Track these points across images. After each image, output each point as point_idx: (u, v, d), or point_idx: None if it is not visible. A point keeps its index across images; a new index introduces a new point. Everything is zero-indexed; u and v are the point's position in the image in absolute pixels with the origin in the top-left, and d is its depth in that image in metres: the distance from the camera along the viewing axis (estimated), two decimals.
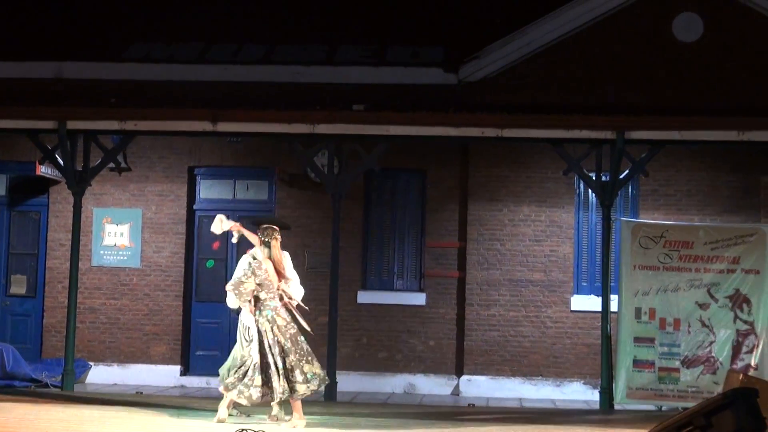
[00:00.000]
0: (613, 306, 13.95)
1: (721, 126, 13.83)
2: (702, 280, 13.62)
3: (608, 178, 14.03)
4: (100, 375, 16.32)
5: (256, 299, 11.00)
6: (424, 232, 16.47)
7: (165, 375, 16.25)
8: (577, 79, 15.86)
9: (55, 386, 14.54)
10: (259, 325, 10.88)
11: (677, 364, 13.54)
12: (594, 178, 14.08)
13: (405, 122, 14.13)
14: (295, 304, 11.19)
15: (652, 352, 13.59)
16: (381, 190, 16.65)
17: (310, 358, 10.95)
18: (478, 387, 15.84)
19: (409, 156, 16.09)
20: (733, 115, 14.20)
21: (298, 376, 10.76)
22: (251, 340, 10.99)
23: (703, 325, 13.56)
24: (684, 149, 15.25)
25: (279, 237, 11.29)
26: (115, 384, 16.01)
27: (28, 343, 16.49)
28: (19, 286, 17.02)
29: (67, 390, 13.92)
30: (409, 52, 17.00)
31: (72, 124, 14.31)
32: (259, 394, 10.75)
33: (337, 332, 14.34)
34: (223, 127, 14.28)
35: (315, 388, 10.92)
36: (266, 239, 11.21)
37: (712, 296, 13.58)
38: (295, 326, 11.05)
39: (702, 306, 13.60)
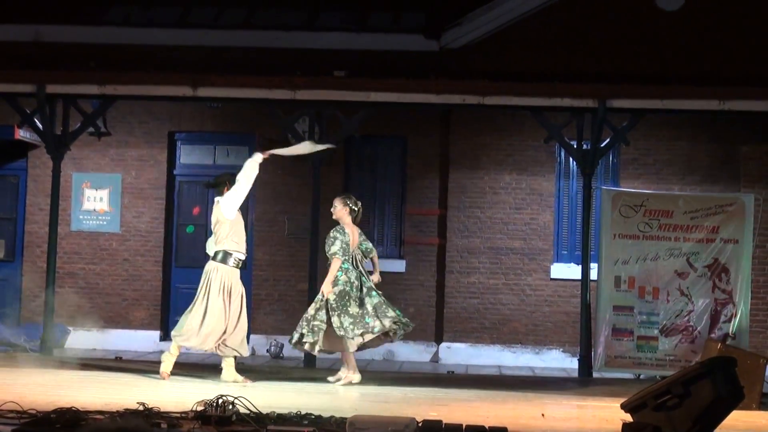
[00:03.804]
0: (593, 274, 13.98)
1: (702, 95, 13.84)
2: (681, 249, 13.65)
3: (589, 146, 14.03)
4: (80, 340, 16.27)
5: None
6: (405, 199, 16.46)
7: (144, 340, 16.22)
8: (559, 47, 15.83)
9: (34, 351, 14.50)
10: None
11: (656, 332, 13.59)
12: (575, 146, 14.08)
13: (386, 89, 14.08)
14: None
15: (631, 321, 13.63)
16: (361, 156, 16.62)
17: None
18: (458, 354, 15.89)
19: (390, 123, 16.06)
20: (715, 84, 14.22)
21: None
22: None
23: (682, 294, 13.61)
24: (664, 118, 15.27)
25: None
26: (95, 349, 15.97)
27: (7, 307, 16.38)
28: None
29: (46, 355, 13.88)
30: (390, 18, 16.92)
31: (51, 88, 14.19)
32: None
33: None
34: (204, 92, 14.21)
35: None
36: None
37: (691, 265, 13.62)
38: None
39: (681, 275, 13.64)
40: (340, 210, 11.91)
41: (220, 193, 11.81)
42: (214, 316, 11.37)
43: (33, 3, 17.20)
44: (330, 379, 11.73)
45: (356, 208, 11.96)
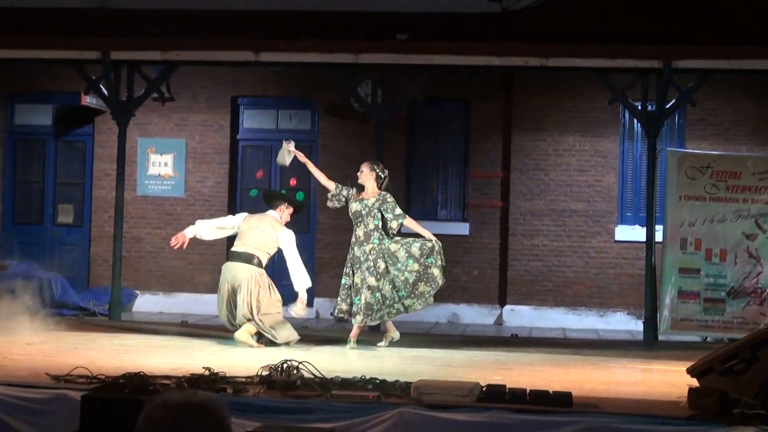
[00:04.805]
0: (658, 236, 13.84)
1: None
2: (750, 210, 13.45)
3: (654, 107, 13.84)
4: (146, 304, 16.51)
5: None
6: (468, 162, 16.41)
7: (210, 304, 16.24)
8: (623, 7, 15.60)
9: (102, 315, 14.73)
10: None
11: (723, 295, 13.43)
12: (639, 107, 13.90)
13: (448, 52, 14.00)
14: None
15: (697, 283, 13.49)
16: (424, 120, 16.58)
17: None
18: (521, 317, 15.86)
19: (453, 86, 15.99)
20: None
21: None
22: None
23: (750, 256, 13.43)
24: (732, 78, 15.01)
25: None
26: (161, 312, 16.17)
27: (76, 271, 16.65)
28: (66, 215, 17.19)
29: (114, 319, 14.09)
30: None
31: (116, 54, 14.31)
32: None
33: None
34: (266, 57, 14.23)
35: None
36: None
37: (759, 227, 13.42)
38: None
39: (749, 237, 13.45)
40: (367, 174, 11.76)
41: (274, 207, 11.94)
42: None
43: None
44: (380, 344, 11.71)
45: (383, 175, 11.83)
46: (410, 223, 11.85)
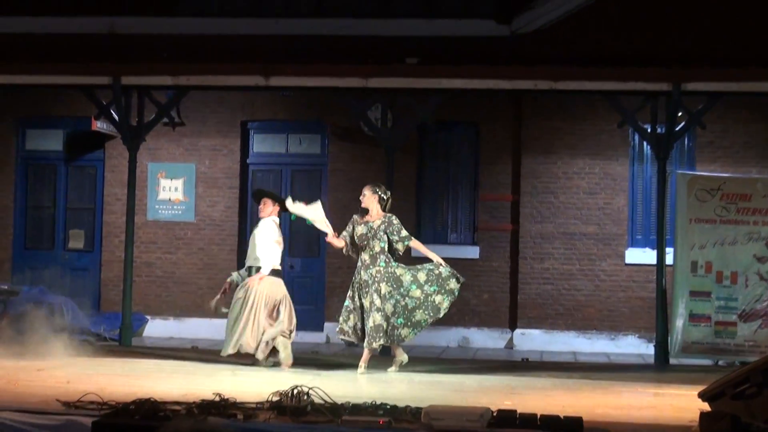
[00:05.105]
0: (669, 259, 13.82)
1: None
2: (760, 233, 13.43)
3: (663, 130, 13.85)
4: (157, 329, 16.50)
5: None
6: (478, 185, 16.42)
7: (220, 329, 16.27)
8: (632, 30, 15.59)
9: (113, 340, 14.73)
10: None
11: (734, 318, 13.40)
12: (649, 130, 13.92)
13: (458, 75, 14.05)
14: None
15: (708, 306, 13.45)
16: (434, 143, 16.60)
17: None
18: (532, 340, 15.83)
19: (462, 109, 16.00)
20: None
21: None
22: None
23: (761, 278, 13.40)
24: (741, 99, 15.00)
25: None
26: (171, 338, 16.19)
27: (87, 296, 16.63)
28: (77, 240, 17.22)
29: (124, 344, 14.09)
30: (461, 3, 16.82)
31: (126, 80, 14.39)
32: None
33: None
34: (276, 81, 14.28)
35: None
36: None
37: None
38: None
39: (760, 259, 13.43)
40: (369, 197, 11.72)
41: (278, 214, 12.15)
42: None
43: None
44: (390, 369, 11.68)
45: (385, 197, 11.79)
46: (417, 246, 11.83)
